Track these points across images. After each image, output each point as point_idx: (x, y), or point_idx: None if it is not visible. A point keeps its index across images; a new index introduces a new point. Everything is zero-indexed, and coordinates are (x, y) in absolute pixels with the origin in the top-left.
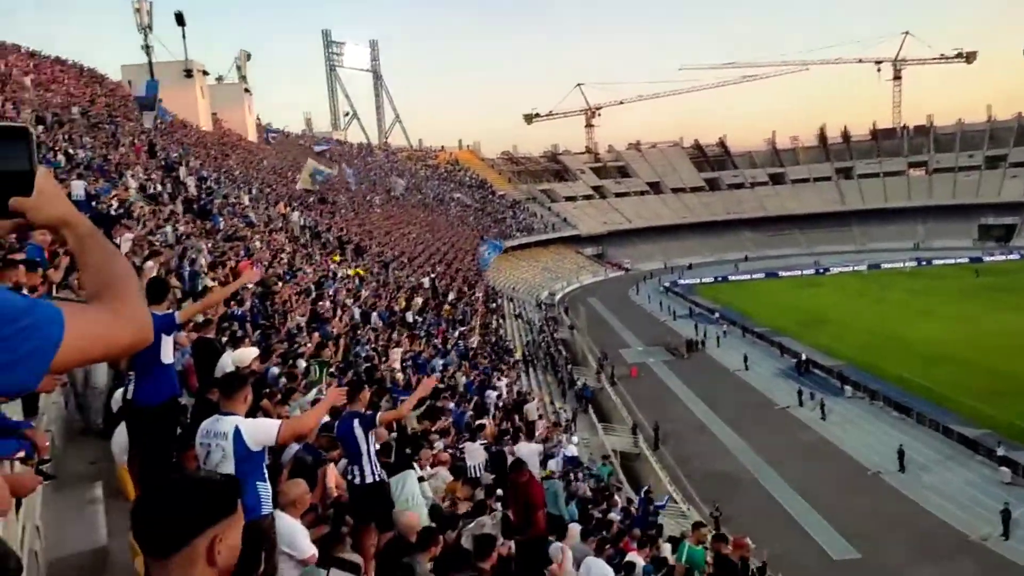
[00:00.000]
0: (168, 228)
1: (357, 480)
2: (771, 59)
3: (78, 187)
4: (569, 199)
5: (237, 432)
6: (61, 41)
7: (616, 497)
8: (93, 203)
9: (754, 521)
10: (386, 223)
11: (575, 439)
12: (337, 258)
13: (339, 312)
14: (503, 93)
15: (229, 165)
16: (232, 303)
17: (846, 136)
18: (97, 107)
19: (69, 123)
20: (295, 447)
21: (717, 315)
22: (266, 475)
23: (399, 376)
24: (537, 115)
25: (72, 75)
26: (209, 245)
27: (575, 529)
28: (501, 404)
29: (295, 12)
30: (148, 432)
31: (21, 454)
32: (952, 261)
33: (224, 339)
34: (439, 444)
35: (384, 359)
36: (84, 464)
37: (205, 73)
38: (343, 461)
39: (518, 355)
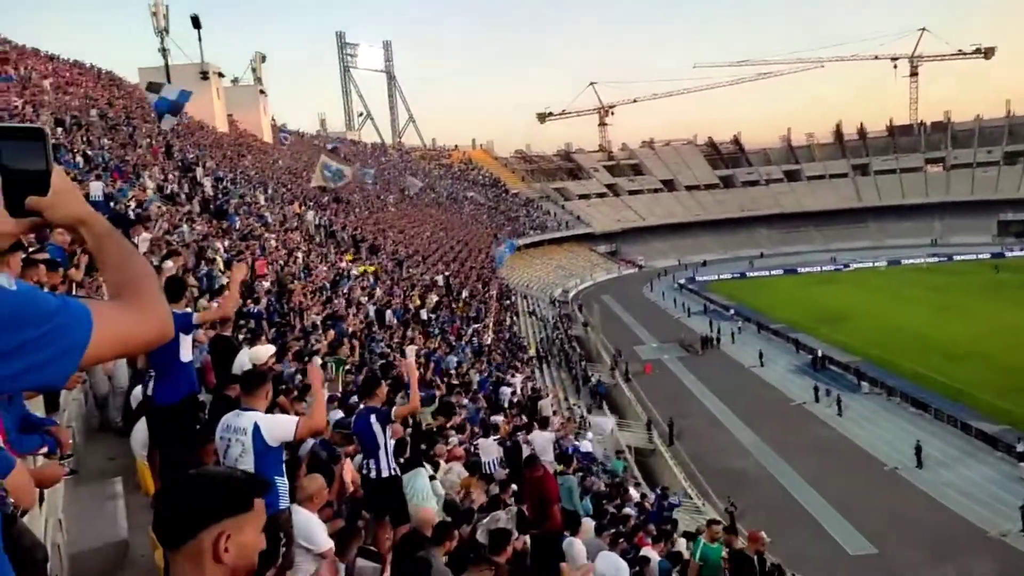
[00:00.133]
0: (185, 228)
1: (373, 474)
2: (786, 56)
3: (96, 188)
4: (583, 197)
5: (256, 428)
6: (78, 44)
7: (631, 492)
8: (111, 204)
9: (770, 517)
10: (400, 222)
11: (589, 434)
12: (350, 257)
13: (354, 310)
14: (516, 92)
15: (245, 165)
16: (248, 301)
17: (862, 133)
18: (115, 109)
19: (87, 125)
20: (311, 442)
21: (732, 311)
22: (284, 470)
23: (408, 361)
24: (550, 114)
25: (90, 78)
26: (226, 244)
27: (589, 524)
28: (516, 400)
29: (310, 14)
30: (167, 430)
31: (44, 450)
32: (973, 257)
33: (240, 336)
34: (454, 440)
35: (400, 356)
36: (104, 460)
37: (221, 75)
38: (358, 456)
39: (532, 352)
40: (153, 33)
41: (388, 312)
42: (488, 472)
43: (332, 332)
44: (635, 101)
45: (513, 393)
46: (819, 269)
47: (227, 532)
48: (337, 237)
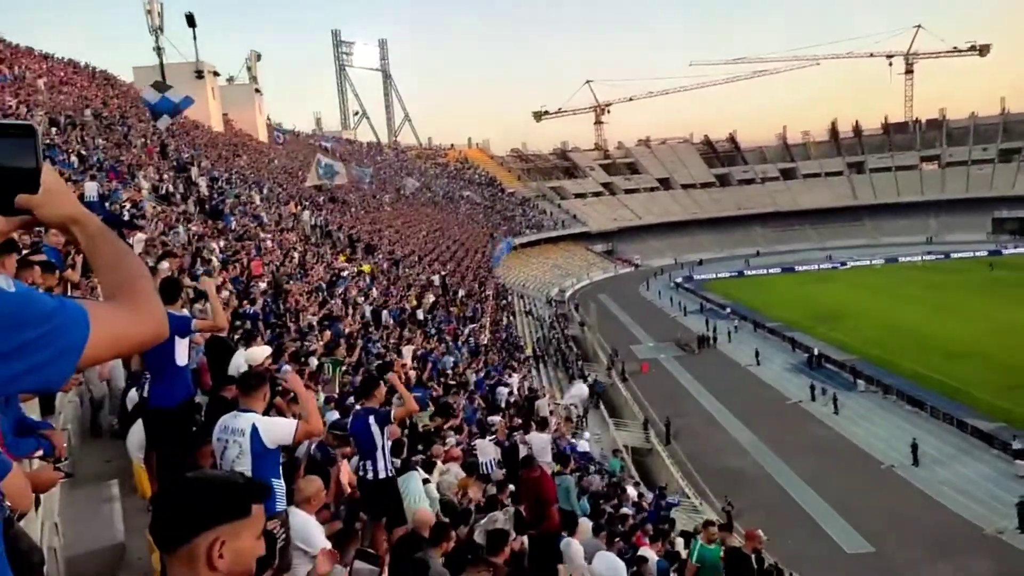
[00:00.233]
0: (180, 228)
1: (370, 476)
2: (781, 54)
3: (91, 188)
4: (579, 196)
5: (255, 429)
6: (72, 43)
7: (629, 491)
8: (106, 204)
9: (767, 516)
10: (396, 221)
11: (587, 434)
12: (344, 257)
13: (350, 310)
14: (512, 91)
15: (240, 165)
16: (244, 302)
17: (858, 131)
18: (110, 109)
19: (82, 125)
20: (307, 444)
21: (728, 310)
22: (281, 472)
23: (412, 373)
24: (546, 112)
25: (84, 77)
26: (221, 244)
27: (586, 524)
28: (513, 400)
29: (305, 12)
30: (164, 432)
31: (40, 453)
32: (971, 254)
33: (236, 337)
34: (451, 440)
35: (397, 356)
36: (100, 462)
37: (216, 74)
38: (354, 459)
39: (529, 352)
40: (148, 32)
41: (384, 312)
42: (485, 472)
43: (328, 333)
44: (631, 99)
45: (510, 393)
46: (817, 267)
47: (222, 538)
48: (333, 237)
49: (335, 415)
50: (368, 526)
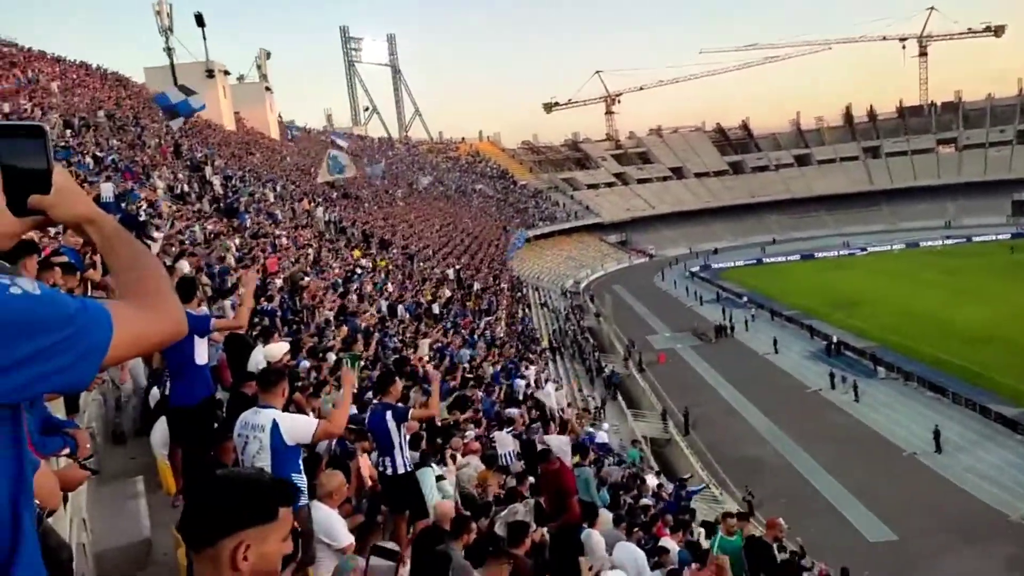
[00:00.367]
0: (196, 227)
1: (389, 471)
2: (793, 40)
3: (107, 189)
4: (591, 187)
5: (275, 426)
6: (83, 45)
7: (648, 481)
8: (122, 204)
9: (788, 505)
10: (410, 216)
11: (605, 425)
12: (358, 253)
13: (366, 305)
14: (522, 83)
15: (253, 163)
16: (261, 299)
17: (872, 115)
18: (123, 110)
19: (95, 126)
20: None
21: (745, 299)
22: (301, 467)
23: (429, 367)
24: (557, 104)
25: (96, 79)
26: (237, 242)
27: (607, 515)
28: (530, 392)
29: (312, 10)
30: (186, 430)
31: (66, 451)
32: (992, 238)
33: (254, 333)
34: (470, 433)
35: (413, 350)
36: (125, 459)
37: (226, 73)
38: (375, 453)
39: (545, 344)
40: (158, 32)
41: (400, 307)
42: (504, 464)
43: (345, 328)
44: (641, 89)
45: (527, 386)
46: (837, 254)
47: (248, 542)
48: (348, 233)
49: (352, 410)
50: (389, 519)
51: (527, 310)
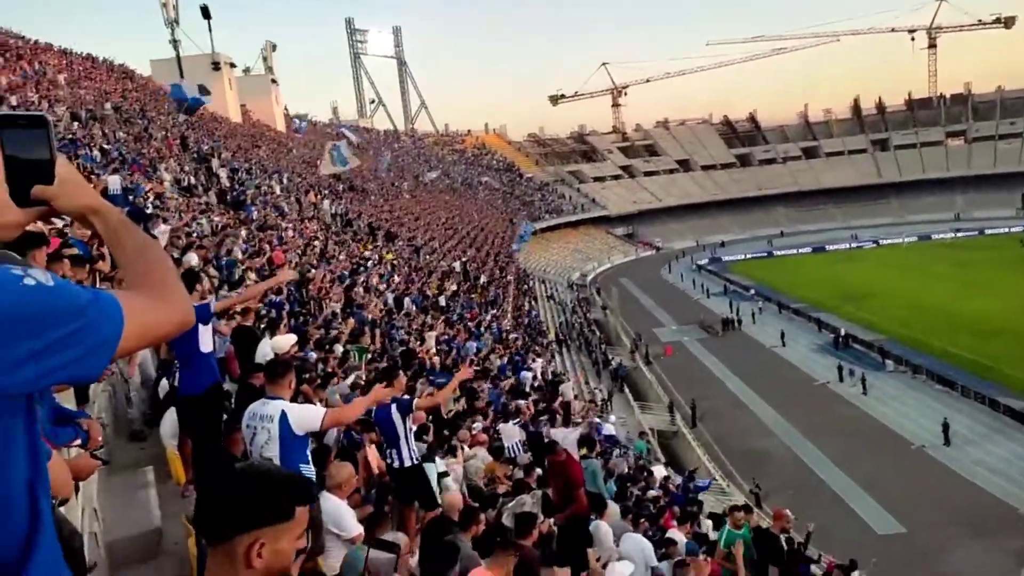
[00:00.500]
0: (203, 220)
1: (396, 464)
2: (801, 31)
3: (114, 182)
4: (598, 179)
5: (283, 416)
6: (89, 37)
7: (656, 472)
8: (130, 197)
9: (796, 497)
10: (416, 208)
11: (612, 417)
12: (364, 247)
13: (373, 298)
14: (528, 75)
15: (259, 156)
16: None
17: (881, 107)
18: (129, 102)
19: (102, 119)
20: (336, 430)
21: (752, 292)
22: (309, 458)
23: (436, 360)
24: (563, 96)
25: (103, 71)
26: (244, 235)
27: (614, 507)
28: (537, 385)
29: (318, 1)
30: (194, 419)
31: (78, 442)
32: (1005, 230)
33: (262, 326)
34: (477, 425)
35: (420, 343)
36: (136, 449)
37: (232, 65)
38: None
39: (552, 336)
40: (163, 25)
41: (407, 299)
42: (511, 455)
43: (352, 320)
44: (648, 81)
45: (534, 378)
46: (847, 247)
47: (262, 540)
48: (354, 226)
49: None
50: (395, 509)
51: (533, 303)
